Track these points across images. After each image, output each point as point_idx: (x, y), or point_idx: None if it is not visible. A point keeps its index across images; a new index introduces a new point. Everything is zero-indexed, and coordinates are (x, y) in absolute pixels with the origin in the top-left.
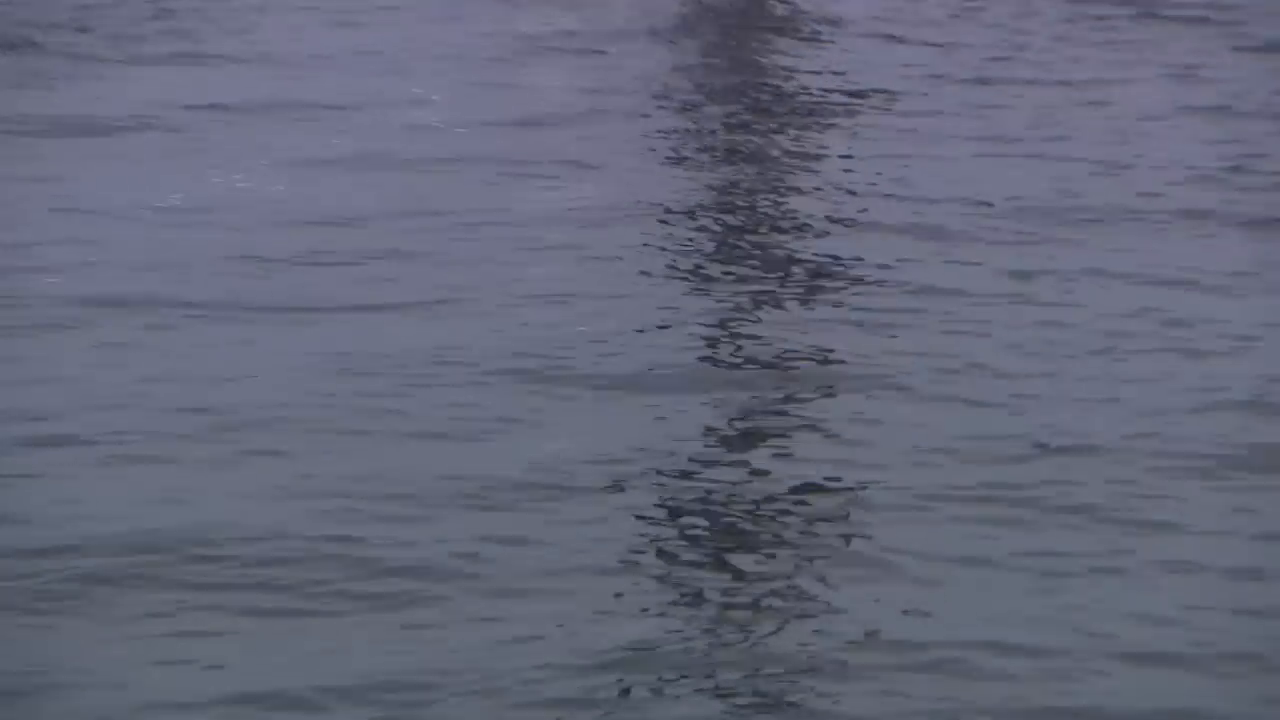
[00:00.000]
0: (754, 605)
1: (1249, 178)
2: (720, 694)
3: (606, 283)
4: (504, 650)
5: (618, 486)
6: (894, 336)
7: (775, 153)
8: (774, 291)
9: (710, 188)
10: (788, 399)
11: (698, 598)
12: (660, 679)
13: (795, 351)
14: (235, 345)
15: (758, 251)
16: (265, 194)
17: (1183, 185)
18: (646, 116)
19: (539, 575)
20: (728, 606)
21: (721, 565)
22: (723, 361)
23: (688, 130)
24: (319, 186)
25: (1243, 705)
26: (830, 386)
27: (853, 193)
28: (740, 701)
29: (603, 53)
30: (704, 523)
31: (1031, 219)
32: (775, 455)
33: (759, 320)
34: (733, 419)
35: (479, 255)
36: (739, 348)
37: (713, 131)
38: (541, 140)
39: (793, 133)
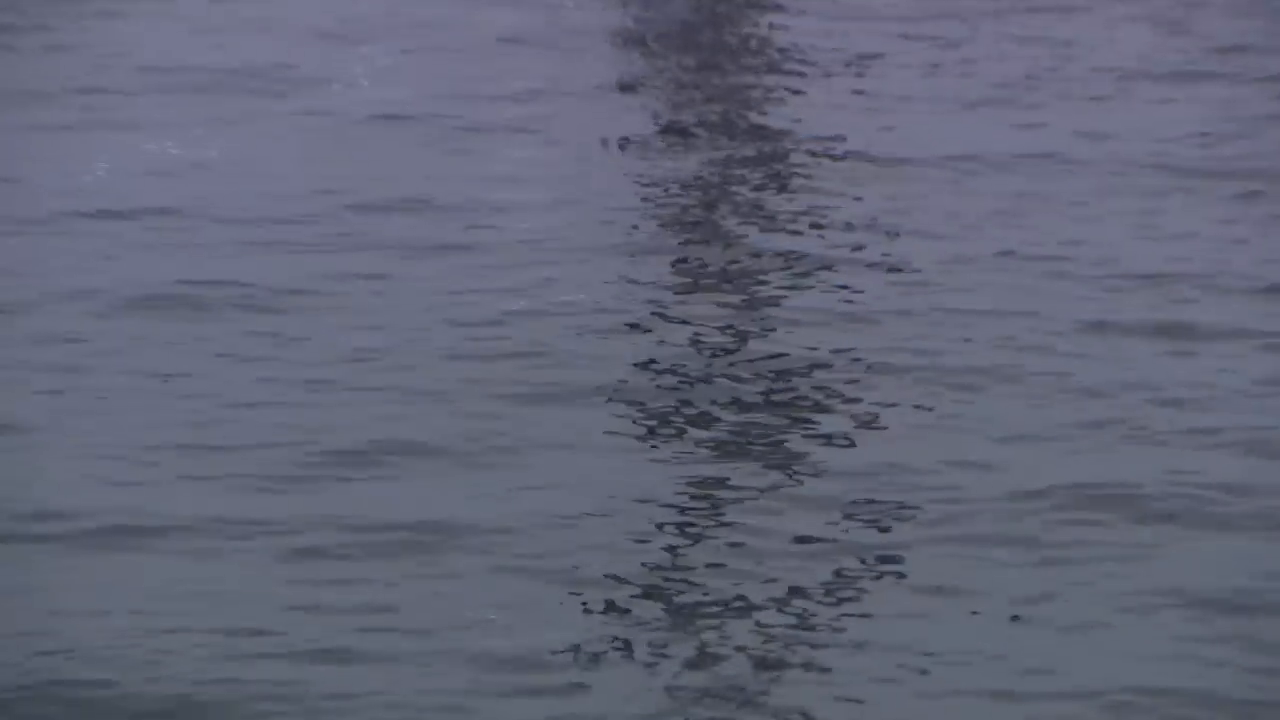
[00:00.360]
0: (754, 632)
1: (1238, 140)
2: None
3: (573, 274)
4: (482, 676)
5: (597, 512)
6: (882, 327)
7: (747, 122)
8: (752, 277)
9: (679, 162)
10: (778, 396)
11: (689, 628)
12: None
13: (782, 343)
14: (166, 333)
15: (731, 234)
16: (199, 160)
17: (1169, 147)
18: (607, 83)
19: (519, 599)
20: (724, 637)
21: (715, 593)
22: (705, 358)
23: (653, 98)
24: (254, 164)
25: None
26: (820, 383)
27: (831, 165)
28: None
29: (561, 5)
30: (691, 547)
31: (1016, 182)
32: (769, 464)
33: (741, 309)
34: (721, 425)
35: (429, 241)
36: (724, 342)
37: (680, 97)
38: (491, 111)
39: (762, 100)
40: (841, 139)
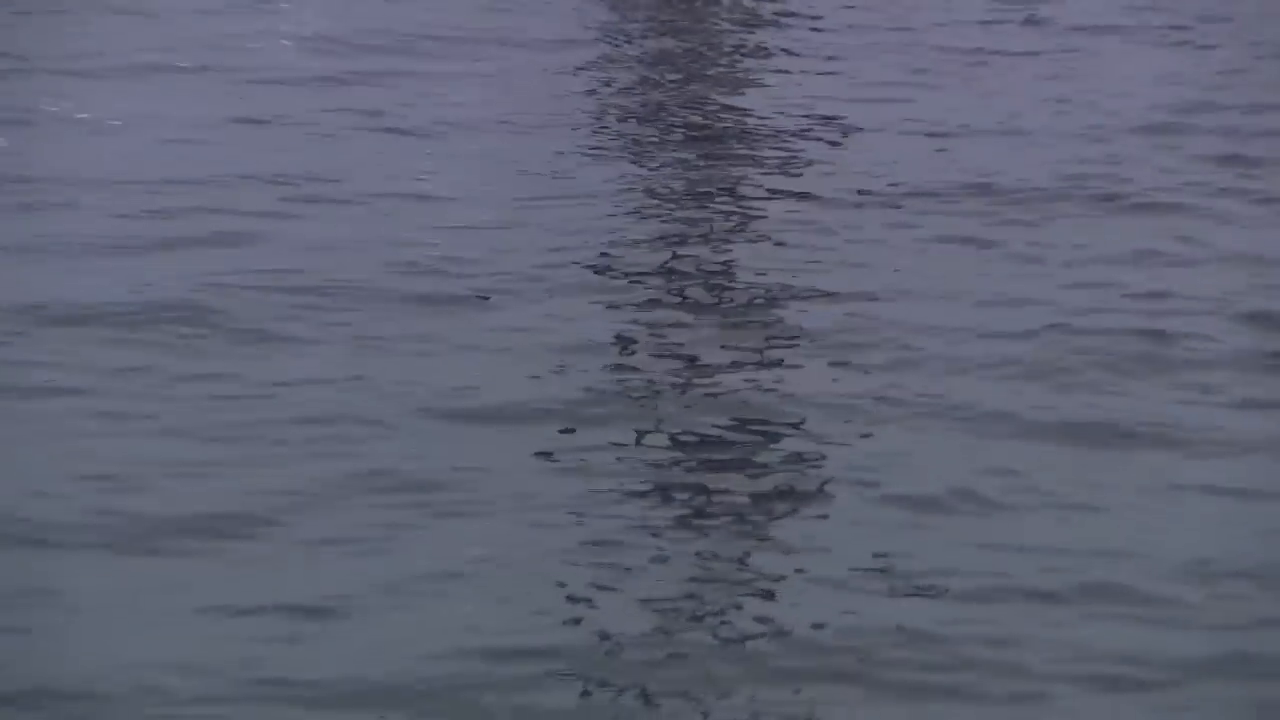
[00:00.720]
0: (744, 649)
1: (1213, 110)
2: None
3: (533, 272)
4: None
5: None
6: (877, 313)
7: (708, 108)
8: (736, 269)
9: (651, 148)
10: (765, 400)
11: (682, 645)
12: None
13: (768, 342)
14: (76, 343)
15: (712, 224)
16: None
17: (1141, 113)
18: (560, 67)
19: (506, 626)
20: (712, 654)
21: (706, 610)
22: (690, 363)
23: (607, 77)
24: (173, 137)
25: None
26: (811, 382)
27: (796, 152)
28: None
29: None
30: (681, 560)
31: (997, 158)
32: (762, 471)
33: (725, 307)
34: (708, 430)
35: (368, 236)
36: (709, 341)
37: (651, 72)
38: (438, 93)
39: (732, 72)
40: (814, 112)
